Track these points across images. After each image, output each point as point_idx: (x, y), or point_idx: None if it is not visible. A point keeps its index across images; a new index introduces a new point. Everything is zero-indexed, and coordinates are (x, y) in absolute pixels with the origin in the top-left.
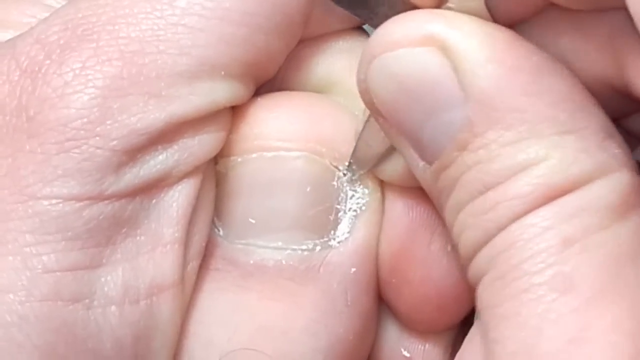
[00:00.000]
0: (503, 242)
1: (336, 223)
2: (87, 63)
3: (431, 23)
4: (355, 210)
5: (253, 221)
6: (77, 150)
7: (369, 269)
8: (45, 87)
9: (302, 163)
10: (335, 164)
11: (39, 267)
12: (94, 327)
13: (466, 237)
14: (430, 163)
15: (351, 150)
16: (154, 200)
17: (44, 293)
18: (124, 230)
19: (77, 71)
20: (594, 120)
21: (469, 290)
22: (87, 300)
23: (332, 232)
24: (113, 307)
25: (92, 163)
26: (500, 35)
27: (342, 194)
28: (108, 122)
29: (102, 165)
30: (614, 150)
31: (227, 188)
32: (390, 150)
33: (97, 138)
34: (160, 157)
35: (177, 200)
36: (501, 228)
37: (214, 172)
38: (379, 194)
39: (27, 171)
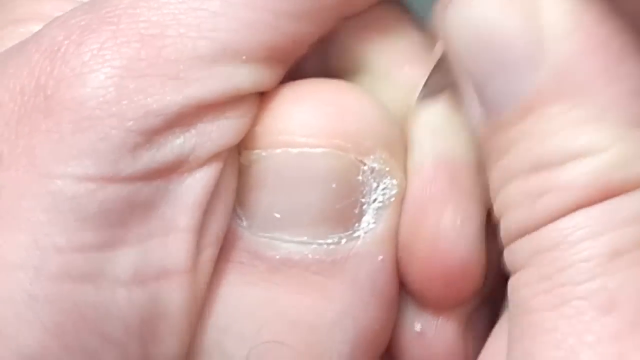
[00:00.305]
0: (551, 237)
1: (361, 216)
2: (105, 44)
3: None
4: (381, 201)
5: (278, 215)
6: (92, 130)
7: (393, 258)
8: (64, 67)
9: (327, 159)
10: (360, 158)
11: (50, 246)
12: (102, 308)
13: (513, 216)
14: (488, 114)
15: (377, 143)
16: (170, 186)
17: (53, 273)
18: (137, 214)
19: (95, 51)
20: None
21: (478, 267)
22: (97, 282)
23: (357, 224)
24: (122, 290)
25: (107, 143)
26: (594, 7)
27: (367, 187)
28: (124, 102)
29: (118, 145)
30: None
31: (251, 181)
32: None
33: (113, 118)
34: (178, 140)
35: (193, 188)
36: (551, 219)
37: (237, 161)
38: (404, 184)
39: (42, 150)
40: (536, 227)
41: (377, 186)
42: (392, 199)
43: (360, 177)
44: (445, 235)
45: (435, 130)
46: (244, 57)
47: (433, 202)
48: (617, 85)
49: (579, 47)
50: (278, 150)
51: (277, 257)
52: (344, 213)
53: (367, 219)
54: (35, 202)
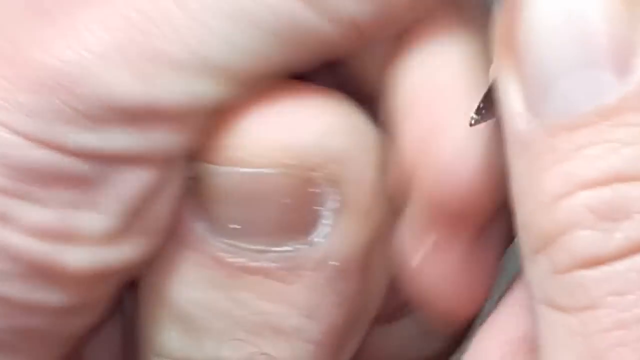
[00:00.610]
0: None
1: (317, 223)
2: (89, 25)
3: None
4: (335, 209)
5: (235, 226)
6: (45, 97)
7: (353, 259)
8: (48, 29)
9: (277, 179)
10: (310, 173)
11: None
12: (12, 251)
13: (574, 238)
14: (543, 116)
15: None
16: (106, 174)
17: None
18: (64, 183)
19: (74, 29)
20: None
21: (492, 179)
22: (10, 225)
23: (314, 231)
24: (32, 239)
25: (54, 114)
26: None
27: (321, 197)
28: (84, 82)
29: (64, 120)
30: None
31: (208, 193)
32: None
33: (71, 95)
34: (123, 136)
35: (127, 186)
36: (619, 257)
37: (182, 171)
38: (360, 193)
39: None
40: (611, 259)
41: (331, 195)
42: (343, 206)
43: (312, 189)
44: (457, 147)
45: None
46: (220, 77)
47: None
48: None
49: None
50: (229, 168)
51: (238, 264)
52: (300, 223)
53: (324, 227)
54: None
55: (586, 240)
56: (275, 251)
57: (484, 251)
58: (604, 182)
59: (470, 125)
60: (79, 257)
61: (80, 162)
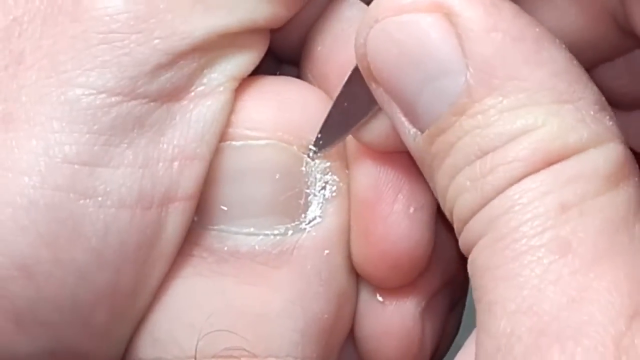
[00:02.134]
0: (502, 205)
1: (306, 207)
2: None
3: None
4: (325, 195)
5: (225, 208)
6: (118, 44)
7: (342, 250)
8: None
9: (270, 151)
10: (303, 150)
11: (59, 156)
12: (101, 226)
13: (463, 200)
14: (422, 129)
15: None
16: (181, 111)
17: (58, 183)
18: (148, 135)
19: None
20: (590, 93)
21: (424, 255)
22: (100, 199)
23: (303, 215)
24: (125, 210)
25: (131, 59)
26: (505, 6)
27: (311, 179)
28: (152, 20)
29: (141, 62)
30: (607, 122)
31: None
32: (372, 115)
33: (140, 35)
34: (195, 64)
35: (203, 115)
36: (499, 191)
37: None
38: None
39: (66, 56)
40: (488, 200)
41: (321, 178)
42: (334, 194)
43: (303, 169)
44: (399, 219)
45: None
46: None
47: (386, 185)
48: (540, 70)
49: (499, 43)
50: (222, 144)
51: (225, 248)
52: (289, 204)
53: (313, 211)
54: (51, 109)
55: (467, 197)
56: (264, 234)
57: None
58: (475, 160)
59: (311, 158)
60: (175, 220)
61: (159, 106)
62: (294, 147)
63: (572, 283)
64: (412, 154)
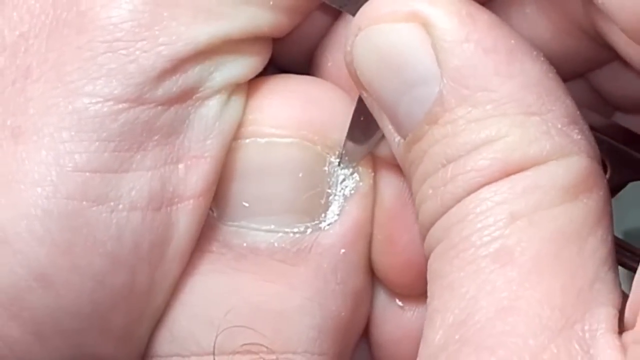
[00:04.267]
0: (457, 214)
1: (327, 206)
2: None
3: (416, 0)
4: (345, 194)
5: (246, 204)
6: (124, 52)
7: (358, 250)
8: None
9: (294, 150)
10: (327, 150)
11: (70, 165)
12: (115, 230)
13: (425, 208)
14: (403, 137)
15: (343, 136)
16: (187, 113)
17: (70, 191)
18: (155, 138)
19: None
20: (561, 106)
21: None
22: (112, 204)
23: (323, 215)
24: (137, 212)
25: (136, 66)
26: (481, 17)
27: (333, 179)
28: (156, 27)
29: (146, 69)
30: (575, 136)
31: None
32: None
33: (145, 42)
34: (199, 69)
35: (205, 116)
36: (457, 200)
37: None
38: (369, 179)
39: (72, 67)
40: (446, 209)
41: (344, 179)
42: (353, 192)
43: (326, 169)
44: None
45: None
46: (271, 3)
47: (411, 200)
48: (510, 82)
49: (471, 54)
50: (247, 140)
51: (244, 245)
52: (310, 203)
53: (333, 211)
54: (60, 119)
55: (429, 205)
56: (284, 231)
57: None
58: (439, 169)
59: (338, 163)
60: (187, 219)
61: (166, 110)
62: (318, 146)
63: (505, 293)
64: (398, 162)
